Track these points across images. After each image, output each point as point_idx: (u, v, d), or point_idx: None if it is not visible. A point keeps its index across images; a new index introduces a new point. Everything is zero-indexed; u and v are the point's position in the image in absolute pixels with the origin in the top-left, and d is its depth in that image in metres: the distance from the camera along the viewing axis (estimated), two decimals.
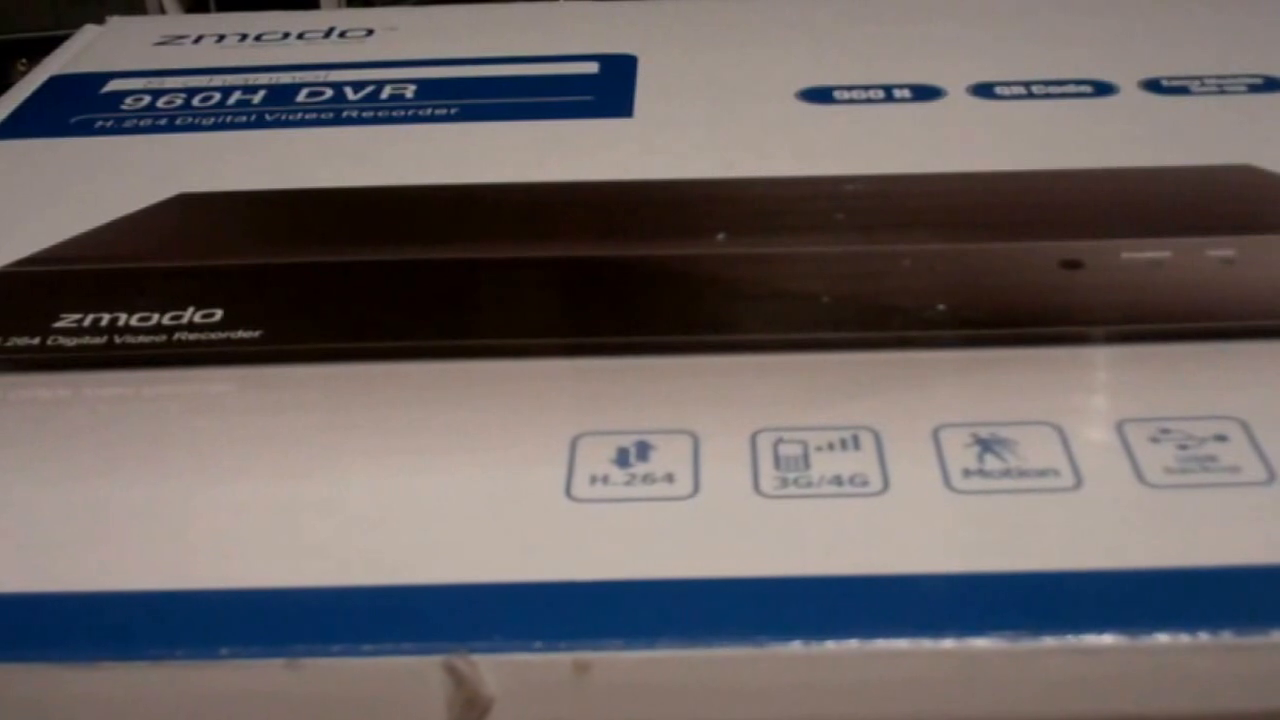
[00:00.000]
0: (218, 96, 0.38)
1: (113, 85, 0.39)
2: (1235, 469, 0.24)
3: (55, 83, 0.40)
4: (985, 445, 0.25)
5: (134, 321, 0.29)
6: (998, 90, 0.36)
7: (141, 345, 0.29)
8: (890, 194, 0.32)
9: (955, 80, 0.37)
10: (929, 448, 0.25)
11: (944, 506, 0.23)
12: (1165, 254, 0.29)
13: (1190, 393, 0.25)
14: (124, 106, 0.38)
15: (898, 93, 0.36)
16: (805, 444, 0.25)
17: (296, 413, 0.27)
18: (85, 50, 0.42)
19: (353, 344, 0.28)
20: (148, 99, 0.38)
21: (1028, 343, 0.28)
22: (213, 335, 0.29)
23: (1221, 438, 0.24)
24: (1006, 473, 0.24)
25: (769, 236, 0.30)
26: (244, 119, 0.37)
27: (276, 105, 0.37)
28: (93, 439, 0.26)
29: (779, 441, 0.25)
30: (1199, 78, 0.37)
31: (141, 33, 0.43)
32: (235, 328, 0.29)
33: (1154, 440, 0.25)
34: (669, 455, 0.25)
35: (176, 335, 0.29)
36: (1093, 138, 0.34)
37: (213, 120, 0.37)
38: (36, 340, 0.29)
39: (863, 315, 0.28)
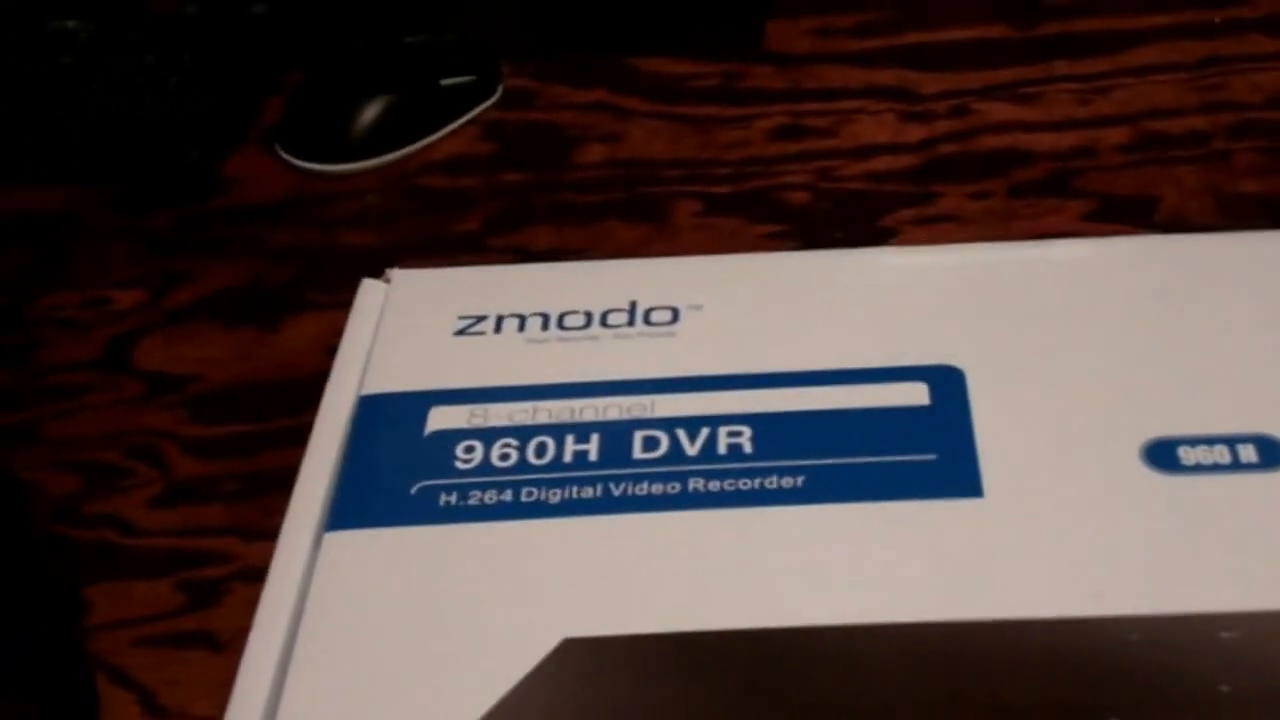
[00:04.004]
0: (552, 450, 0.42)
1: (436, 420, 0.43)
2: None
3: (372, 412, 0.44)
4: None
5: None
6: None
7: None
8: (1267, 647, 0.37)
9: None
10: None
11: None
12: None
13: None
14: (459, 464, 0.42)
15: (1242, 453, 0.41)
16: None
17: None
18: (382, 341, 0.46)
19: None
20: (480, 451, 0.42)
21: None
22: None
23: None
24: None
25: None
26: (590, 493, 0.41)
27: (616, 468, 0.41)
28: None
29: None
30: None
31: (434, 307, 0.47)
32: None
33: None
34: None
35: None
36: None
37: (559, 497, 0.41)
38: None
39: None
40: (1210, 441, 0.41)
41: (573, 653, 0.38)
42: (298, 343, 0.76)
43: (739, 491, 0.41)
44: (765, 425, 0.43)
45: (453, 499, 0.41)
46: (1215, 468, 0.41)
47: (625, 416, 0.43)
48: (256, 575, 0.40)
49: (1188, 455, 0.41)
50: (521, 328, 0.46)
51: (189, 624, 0.64)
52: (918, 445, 0.42)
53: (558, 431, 0.43)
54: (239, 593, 0.65)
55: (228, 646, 0.62)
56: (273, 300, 0.79)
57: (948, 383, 0.43)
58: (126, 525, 0.69)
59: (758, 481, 0.41)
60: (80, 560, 0.67)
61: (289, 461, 0.42)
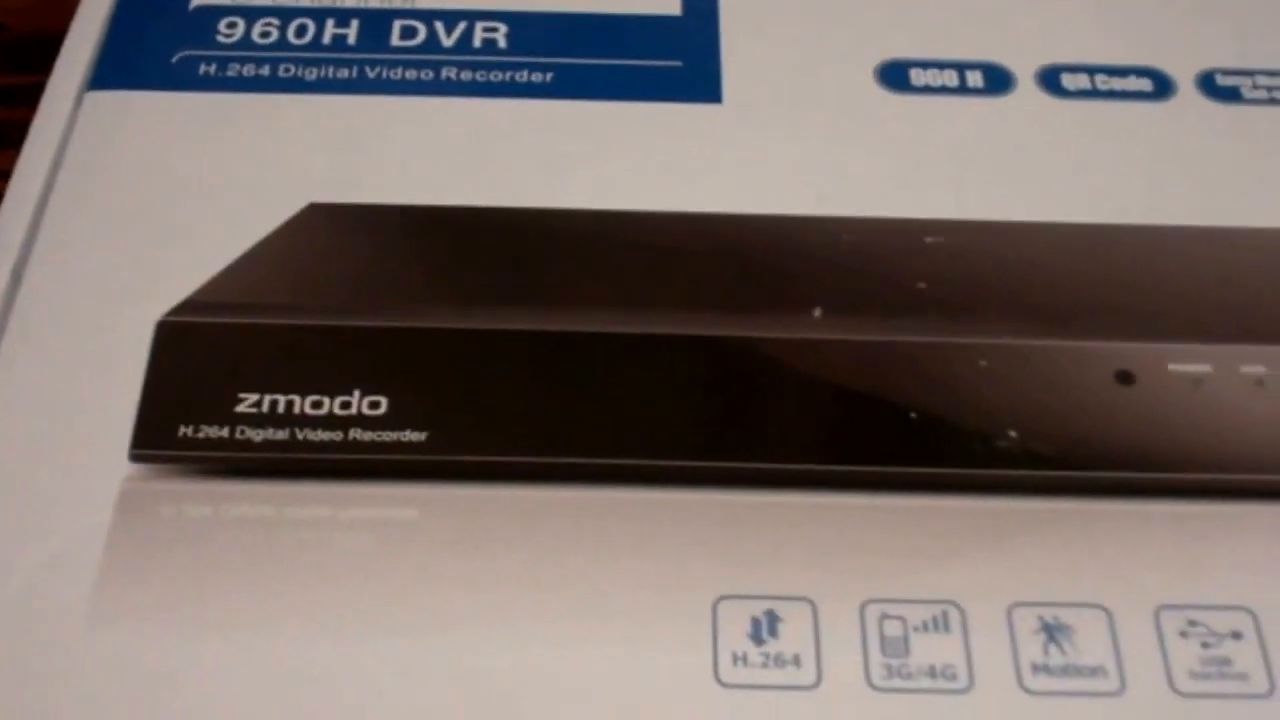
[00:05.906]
0: (312, 31, 0.44)
1: None
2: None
3: None
4: (1050, 633, 0.34)
5: (309, 408, 0.35)
6: (1064, 82, 0.44)
7: (322, 444, 0.34)
8: (967, 253, 0.40)
9: (1025, 62, 0.44)
10: (1004, 633, 0.34)
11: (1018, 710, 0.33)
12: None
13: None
14: (220, 39, 0.44)
15: (970, 77, 0.44)
16: (905, 622, 0.34)
17: (416, 554, 0.33)
18: None
19: (521, 458, 0.35)
20: (241, 27, 0.44)
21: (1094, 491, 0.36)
22: (382, 435, 0.35)
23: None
24: (1066, 670, 0.34)
25: (862, 317, 0.38)
26: (345, 75, 0.43)
27: (372, 53, 0.43)
28: (297, 585, 0.33)
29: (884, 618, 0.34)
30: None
31: None
32: (403, 426, 0.35)
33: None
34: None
35: (351, 433, 0.35)
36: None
37: (315, 75, 0.43)
38: (225, 432, 0.35)
39: (938, 444, 0.36)
40: (940, 65, 0.44)
41: (316, 217, 0.39)
42: None
43: (490, 83, 0.43)
44: (520, 23, 0.45)
45: (212, 69, 0.43)
46: (943, 89, 0.43)
47: (385, 6, 0.45)
48: None
49: (918, 76, 0.44)
50: None
51: None
52: (665, 52, 0.44)
53: (318, 15, 0.45)
54: None
55: None
56: None
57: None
58: None
59: (509, 75, 0.43)
60: None
61: None
